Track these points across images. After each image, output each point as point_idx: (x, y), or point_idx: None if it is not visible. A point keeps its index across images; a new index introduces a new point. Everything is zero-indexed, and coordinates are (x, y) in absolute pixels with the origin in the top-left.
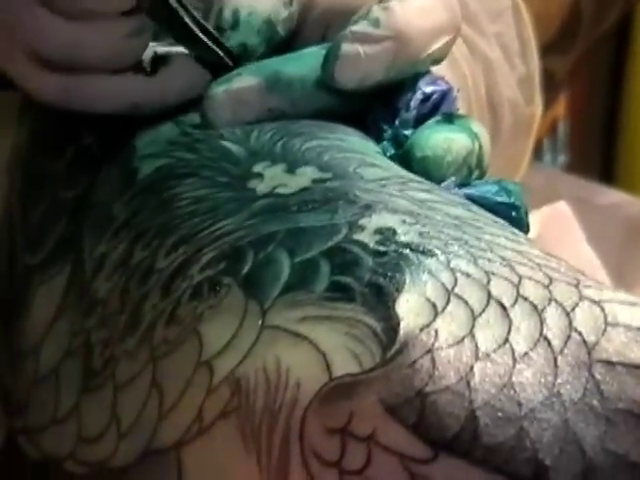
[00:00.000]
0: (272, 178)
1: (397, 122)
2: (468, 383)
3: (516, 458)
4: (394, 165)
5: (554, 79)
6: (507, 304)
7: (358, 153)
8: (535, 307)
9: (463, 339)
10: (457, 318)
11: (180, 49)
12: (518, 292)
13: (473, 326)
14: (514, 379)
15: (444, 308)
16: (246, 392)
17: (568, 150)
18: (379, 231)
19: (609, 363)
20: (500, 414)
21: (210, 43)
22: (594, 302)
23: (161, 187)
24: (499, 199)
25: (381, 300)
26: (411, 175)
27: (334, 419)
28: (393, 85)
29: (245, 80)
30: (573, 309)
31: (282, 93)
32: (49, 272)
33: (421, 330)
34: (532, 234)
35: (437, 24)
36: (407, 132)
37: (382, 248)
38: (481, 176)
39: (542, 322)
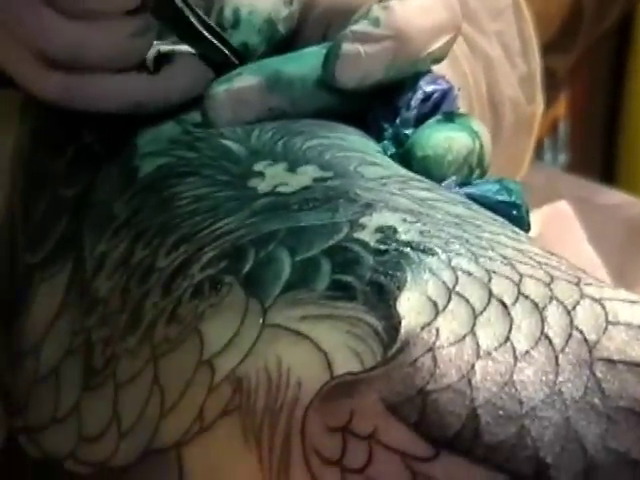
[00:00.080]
0: (273, 177)
1: (398, 121)
2: (469, 381)
3: (517, 456)
4: (395, 164)
5: (555, 78)
6: (508, 302)
7: (359, 152)
8: (536, 305)
9: (464, 337)
10: (458, 316)
11: (183, 47)
12: (519, 290)
13: (474, 324)
14: (515, 377)
15: (445, 306)
16: (247, 391)
17: (569, 149)
18: (380, 230)
19: (610, 361)
20: (501, 412)
21: (216, 41)
22: (595, 300)
23: (162, 186)
24: (500, 198)
25: (382, 299)
26: (412, 174)
27: (335, 418)
28: (394, 84)
29: (246, 79)
30: (574, 307)
31: (283, 92)
32: (50, 271)
33: (422, 328)
34: (533, 233)
35: (437, 23)
36: (408, 131)
37: (383, 247)
38: (482, 175)
39: (543, 320)
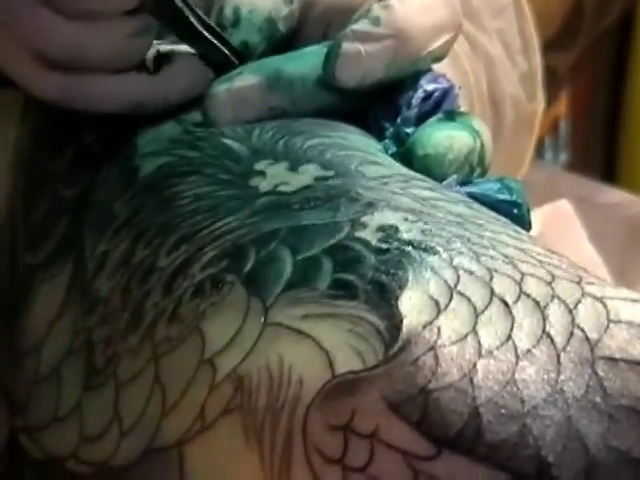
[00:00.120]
0: (274, 176)
1: (399, 120)
2: (471, 380)
3: (519, 455)
4: (396, 163)
5: (556, 76)
6: (510, 301)
7: (360, 151)
8: (538, 304)
9: (466, 336)
10: (460, 315)
11: (182, 47)
12: (521, 289)
13: (476, 323)
14: (517, 376)
15: (447, 305)
16: (249, 390)
17: (570, 148)
18: (381, 229)
19: (612, 360)
20: (503, 411)
21: (215, 41)
22: (596, 299)
23: (162, 185)
24: (501, 197)
25: (384, 297)
26: (413, 173)
27: (337, 416)
28: (394, 83)
29: (246, 79)
30: (575, 306)
31: (283, 92)
32: (50, 271)
33: (424, 327)
34: (534, 232)
35: (438, 22)
36: (409, 130)
37: (384, 246)
38: (483, 174)
39: (545, 319)
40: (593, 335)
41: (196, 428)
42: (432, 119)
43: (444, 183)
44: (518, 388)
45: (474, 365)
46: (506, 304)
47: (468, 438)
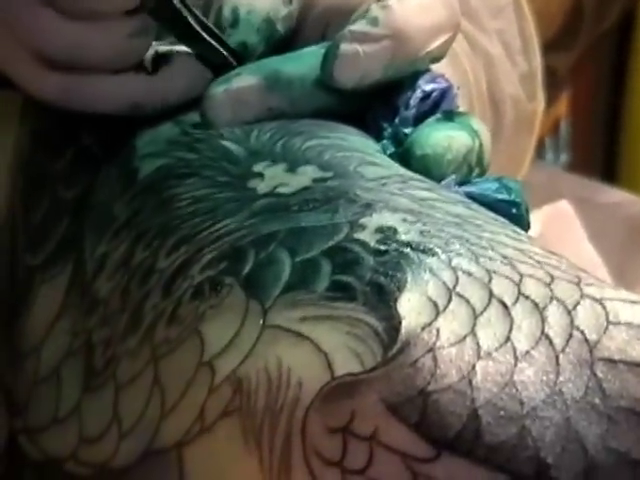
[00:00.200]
0: (272, 177)
1: (397, 120)
2: (470, 382)
3: (518, 457)
4: (394, 164)
5: (556, 76)
6: (508, 302)
7: (358, 152)
8: (536, 305)
9: (465, 338)
10: (459, 317)
11: (181, 48)
12: (519, 290)
13: (475, 325)
14: (516, 378)
15: (445, 307)
16: (247, 392)
17: (570, 149)
18: (380, 230)
19: (611, 361)
20: (502, 413)
21: (214, 42)
22: (595, 300)
23: (161, 187)
24: (499, 196)
25: (382, 299)
26: (411, 174)
27: (336, 418)
28: (393, 83)
29: (245, 79)
30: (575, 307)
31: (282, 92)
32: (50, 272)
33: (422, 329)
34: (533, 233)
35: (436, 22)
36: (407, 130)
37: (383, 247)
38: (482, 174)
39: (543, 320)
40: (592, 336)
41: (195, 430)
42: (430, 119)
43: (442, 183)
44: (517, 390)
45: (473, 367)
46: (505, 305)
47: (467, 440)
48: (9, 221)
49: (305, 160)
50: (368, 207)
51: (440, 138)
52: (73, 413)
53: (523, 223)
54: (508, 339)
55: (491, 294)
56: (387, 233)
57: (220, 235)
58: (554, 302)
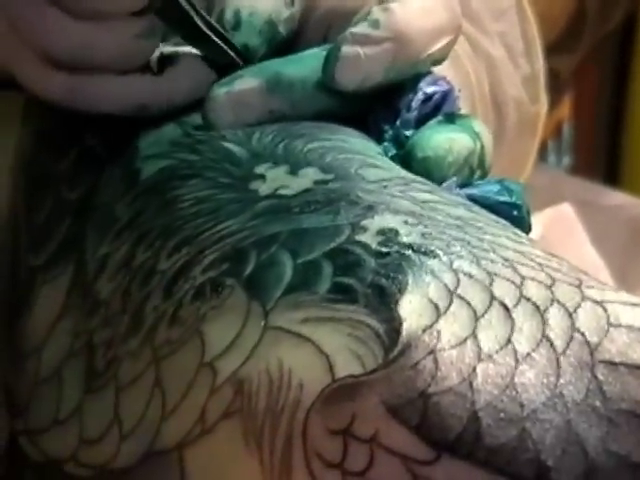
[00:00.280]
0: (274, 179)
1: (398, 123)
2: (470, 384)
3: (518, 459)
4: (396, 166)
5: (559, 79)
6: (510, 305)
7: (360, 154)
8: (537, 308)
9: (466, 340)
10: (460, 319)
11: (186, 49)
12: (521, 293)
13: (476, 327)
14: (516, 380)
15: (447, 309)
16: (249, 393)
17: (573, 152)
18: (381, 232)
19: (612, 364)
20: (502, 415)
21: (221, 43)
22: (596, 302)
23: (164, 188)
24: (501, 198)
25: (383, 301)
26: (412, 176)
27: (336, 420)
28: (394, 86)
29: (246, 82)
30: (575, 310)
31: (283, 95)
32: (52, 273)
33: (423, 331)
34: (535, 235)
35: (437, 25)
36: (408, 133)
37: (384, 249)
38: (483, 176)
39: (544, 323)
40: (593, 339)
41: (196, 432)
42: (432, 122)
43: (444, 185)
44: (517, 392)
45: (474, 369)
46: (506, 308)
47: (467, 442)
48: (11, 221)
49: (307, 162)
50: (369, 209)
51: (441, 140)
52: (74, 414)
53: (524, 225)
54: (509, 341)
55: (492, 296)
56: (388, 235)
57: (222, 236)
58: (555, 304)
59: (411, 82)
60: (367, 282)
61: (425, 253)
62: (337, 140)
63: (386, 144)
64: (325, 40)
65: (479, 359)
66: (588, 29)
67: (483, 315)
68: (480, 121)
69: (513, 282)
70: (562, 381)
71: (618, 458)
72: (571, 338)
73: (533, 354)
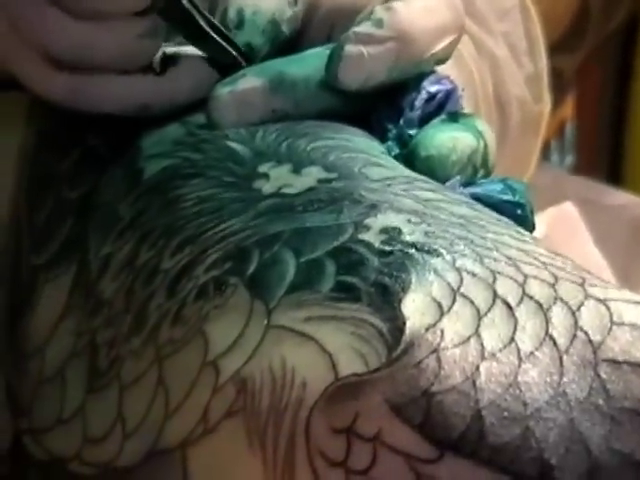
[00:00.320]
0: (277, 178)
1: (402, 122)
2: (474, 383)
3: (522, 458)
4: (399, 165)
5: (562, 78)
6: (513, 303)
7: (363, 153)
8: (541, 306)
9: (469, 339)
10: (463, 317)
11: (188, 49)
12: (524, 291)
13: (479, 325)
14: (520, 378)
15: (450, 308)
16: (252, 392)
17: (576, 151)
18: (385, 231)
19: (615, 362)
20: (506, 414)
21: (223, 43)
22: (600, 301)
23: (167, 187)
24: (504, 197)
25: (387, 300)
26: (416, 174)
27: (340, 419)
28: (398, 85)
29: (249, 81)
30: (579, 308)
31: (286, 94)
32: (54, 272)
33: (427, 330)
34: (538, 234)
35: (441, 24)
36: (412, 131)
37: (388, 248)
38: (487, 175)
39: (548, 321)
40: (596, 337)
41: (199, 430)
42: (435, 120)
43: (447, 184)
44: (521, 390)
45: (477, 368)
46: (509, 306)
47: (471, 441)
48: (14, 222)
49: (310, 161)
50: (373, 208)
51: (445, 139)
52: (77, 413)
53: (528, 224)
54: (512, 340)
55: (495, 295)
56: (392, 234)
57: (225, 235)
58: (558, 303)
59: (414, 81)
60: (370, 281)
61: (428, 252)
62: (340, 139)
63: (389, 143)
64: (329, 39)
65: (482, 358)
66: (592, 28)
67: (486, 314)
68: (483, 120)
69: (516, 280)
70: (565, 380)
71: (621, 456)
72: (574, 336)
73: (536, 353)
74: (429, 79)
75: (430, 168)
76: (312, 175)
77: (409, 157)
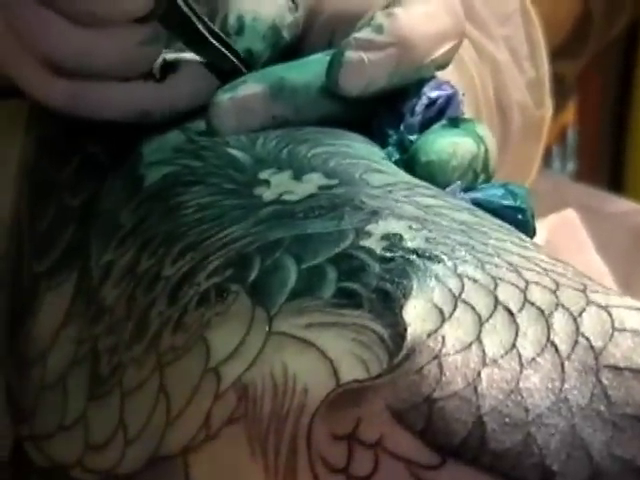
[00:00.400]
0: (278, 185)
1: (402, 127)
2: (475, 389)
3: (523, 464)
4: (400, 171)
5: (564, 84)
6: (514, 309)
7: (364, 159)
8: (542, 312)
9: (470, 345)
10: (464, 324)
11: (188, 55)
12: (525, 297)
13: (480, 332)
14: (521, 385)
15: (451, 314)
16: (253, 398)
17: (577, 157)
18: (386, 237)
19: (616, 368)
20: (507, 420)
21: (223, 49)
22: (601, 307)
23: (167, 194)
24: (505, 202)
25: (388, 306)
26: (417, 180)
27: (341, 425)
28: (398, 90)
29: (250, 87)
30: (580, 314)
31: (286, 100)
32: (56, 280)
33: (428, 336)
34: (539, 241)
35: (441, 30)
36: (412, 137)
37: (389, 254)
38: (487, 180)
39: (549, 327)
40: (598, 343)
41: (201, 437)
42: (436, 126)
43: (448, 190)
44: (522, 397)
45: (478, 374)
46: (510, 312)
47: (472, 447)
48: (15, 229)
49: (311, 168)
50: (374, 214)
51: (445, 144)
52: (79, 420)
53: (529, 229)
54: (514, 346)
55: (497, 301)
56: (393, 240)
57: (226, 242)
58: (560, 309)
59: (415, 87)
60: (372, 287)
61: (429, 258)
62: (341, 145)
63: (390, 148)
64: (329, 45)
65: (484, 364)
66: (594, 33)
67: (488, 320)
68: (484, 125)
69: (517, 286)
70: (567, 386)
71: (623, 462)
72: (576, 343)
73: (538, 359)
74: (429, 84)
75: (430, 173)
76: (313, 182)
77: (409, 162)
